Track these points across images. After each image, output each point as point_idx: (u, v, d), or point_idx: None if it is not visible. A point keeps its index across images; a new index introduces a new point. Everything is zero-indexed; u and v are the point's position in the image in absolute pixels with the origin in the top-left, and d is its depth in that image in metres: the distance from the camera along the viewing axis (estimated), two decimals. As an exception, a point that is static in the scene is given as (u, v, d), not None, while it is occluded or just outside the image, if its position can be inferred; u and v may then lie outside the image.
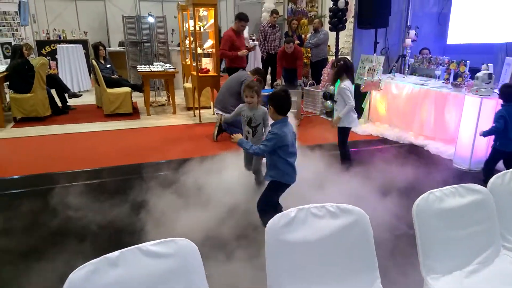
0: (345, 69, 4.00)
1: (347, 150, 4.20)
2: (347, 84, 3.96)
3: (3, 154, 5.02)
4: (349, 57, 6.62)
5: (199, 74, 6.26)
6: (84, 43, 10.45)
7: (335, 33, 6.72)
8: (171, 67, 7.41)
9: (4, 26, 8.74)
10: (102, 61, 7.31)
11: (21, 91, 6.39)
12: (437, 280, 1.79)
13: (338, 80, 4.08)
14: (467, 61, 5.05)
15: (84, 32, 11.61)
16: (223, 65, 8.49)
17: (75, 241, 2.86)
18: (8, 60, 7.37)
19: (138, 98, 7.72)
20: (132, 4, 12.49)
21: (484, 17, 6.99)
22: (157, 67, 7.35)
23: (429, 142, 5.20)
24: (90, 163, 4.54)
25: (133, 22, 8.39)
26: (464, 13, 6.78)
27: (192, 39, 6.69)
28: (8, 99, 6.82)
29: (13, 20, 9.03)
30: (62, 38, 10.77)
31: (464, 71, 5.02)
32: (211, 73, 6.46)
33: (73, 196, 3.56)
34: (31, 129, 6.07)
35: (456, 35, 6.82)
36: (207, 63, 6.59)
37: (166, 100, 7.97)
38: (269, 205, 2.92)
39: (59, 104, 7.22)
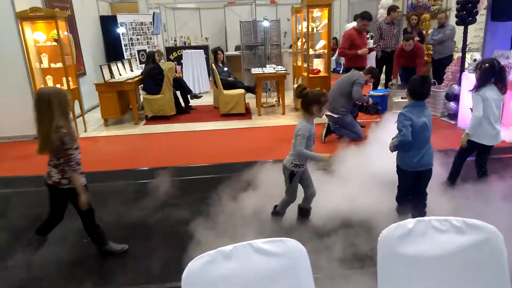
0: (490, 74, 3.25)
1: (458, 168, 3.59)
2: (482, 91, 3.27)
3: (138, 148, 5.74)
4: (478, 54, 5.93)
5: (310, 75, 6.26)
6: (205, 48, 11.33)
7: (461, 27, 6.06)
8: (282, 69, 7.56)
9: (141, 35, 9.97)
10: (221, 65, 7.82)
11: (152, 93, 7.21)
12: None
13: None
14: None
15: (206, 38, 12.56)
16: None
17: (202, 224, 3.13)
18: (143, 66, 8.38)
19: (250, 99, 8.06)
20: (249, 10, 13.09)
21: None
22: (269, 69, 7.58)
23: None
24: (208, 158, 4.93)
25: (249, 27, 8.79)
26: None
27: (304, 40, 6.74)
28: (141, 100, 7.75)
29: (148, 29, 10.24)
30: (186, 44, 11.83)
31: None
32: (322, 73, 6.41)
33: (197, 187, 3.93)
34: (159, 126, 6.81)
35: None
36: (318, 64, 6.56)
37: (276, 101, 8.17)
38: (401, 195, 3.01)
39: (183, 104, 7.94)
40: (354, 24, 9.62)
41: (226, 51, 12.10)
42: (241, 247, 1.44)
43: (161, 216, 3.47)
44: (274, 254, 1.45)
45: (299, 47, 7.81)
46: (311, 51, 6.37)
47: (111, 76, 7.02)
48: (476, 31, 7.43)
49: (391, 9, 6.81)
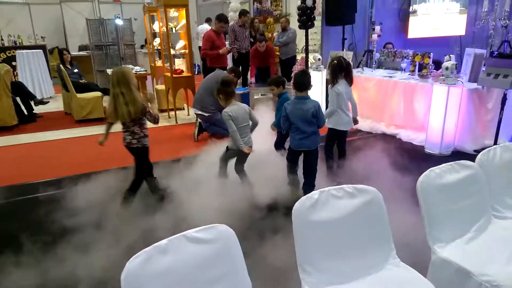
0: (339, 69, 3.77)
1: (330, 153, 4.02)
2: (336, 87, 3.75)
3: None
4: (318, 54, 6.88)
5: (174, 75, 6.24)
6: (42, 48, 10.02)
7: (302, 30, 6.92)
8: (142, 70, 7.32)
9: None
10: (69, 66, 7.10)
11: (-16, 100, 6.08)
12: (443, 248, 1.98)
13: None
14: (431, 53, 5.41)
15: (42, 37, 11.12)
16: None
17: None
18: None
19: (105, 102, 7.55)
20: (91, 7, 12.13)
21: (438, 13, 7.51)
22: (127, 70, 7.23)
23: (400, 130, 5.52)
24: (68, 170, 4.43)
25: (97, 25, 8.18)
26: (421, 10, 7.25)
27: (162, 40, 6.67)
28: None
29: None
30: (18, 44, 10.26)
31: (429, 63, 5.38)
32: (185, 73, 6.47)
33: (58, 204, 3.49)
34: (-2, 139, 5.79)
35: (416, 29, 7.28)
36: (180, 64, 6.59)
37: (137, 103, 7.85)
38: (288, 167, 3.53)
39: (25, 112, 6.92)
40: (206, 25, 10.00)
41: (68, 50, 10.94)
42: (175, 240, 1.44)
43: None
44: (207, 241, 1.50)
45: (156, 47, 7.69)
46: (172, 51, 6.34)
47: None
48: (312, 34, 8.57)
49: (242, 13, 7.29)
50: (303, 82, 3.30)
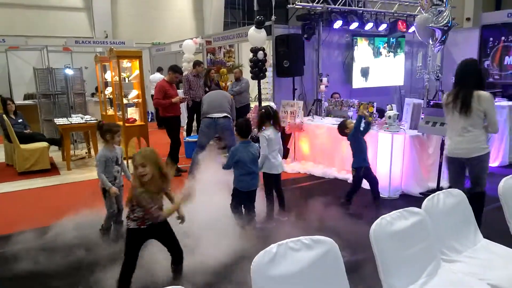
0: (266, 117, 4.08)
1: (270, 196, 4.12)
2: (266, 133, 4.00)
3: None
4: (272, 103, 7.12)
5: (126, 124, 6.15)
6: (-17, 96, 9.52)
7: (254, 81, 7.20)
8: (91, 119, 7.14)
9: None
10: (13, 116, 6.77)
11: None
12: (398, 295, 2.02)
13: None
14: (374, 103, 5.79)
15: (-15, 85, 10.62)
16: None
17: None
18: None
19: (53, 152, 7.22)
20: (39, 56, 11.84)
21: (379, 65, 8.16)
22: (76, 119, 7.03)
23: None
24: (7, 227, 4.10)
25: (45, 74, 7.97)
26: (362, 62, 7.85)
27: (114, 89, 6.62)
28: None
29: None
30: (-44, 92, 9.70)
31: (373, 111, 5.73)
32: (138, 122, 6.40)
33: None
34: None
35: (359, 81, 7.83)
36: (133, 113, 6.52)
37: (86, 152, 7.58)
38: (234, 205, 3.79)
39: (-40, 165, 6.43)
40: (158, 74, 10.13)
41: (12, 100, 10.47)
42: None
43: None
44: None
45: (108, 96, 7.60)
46: (124, 101, 6.28)
47: None
48: (264, 83, 8.91)
49: (197, 63, 7.49)
50: (248, 130, 3.80)
